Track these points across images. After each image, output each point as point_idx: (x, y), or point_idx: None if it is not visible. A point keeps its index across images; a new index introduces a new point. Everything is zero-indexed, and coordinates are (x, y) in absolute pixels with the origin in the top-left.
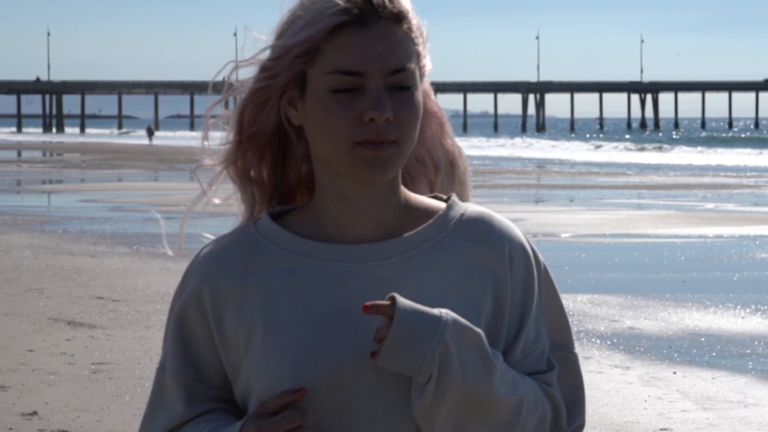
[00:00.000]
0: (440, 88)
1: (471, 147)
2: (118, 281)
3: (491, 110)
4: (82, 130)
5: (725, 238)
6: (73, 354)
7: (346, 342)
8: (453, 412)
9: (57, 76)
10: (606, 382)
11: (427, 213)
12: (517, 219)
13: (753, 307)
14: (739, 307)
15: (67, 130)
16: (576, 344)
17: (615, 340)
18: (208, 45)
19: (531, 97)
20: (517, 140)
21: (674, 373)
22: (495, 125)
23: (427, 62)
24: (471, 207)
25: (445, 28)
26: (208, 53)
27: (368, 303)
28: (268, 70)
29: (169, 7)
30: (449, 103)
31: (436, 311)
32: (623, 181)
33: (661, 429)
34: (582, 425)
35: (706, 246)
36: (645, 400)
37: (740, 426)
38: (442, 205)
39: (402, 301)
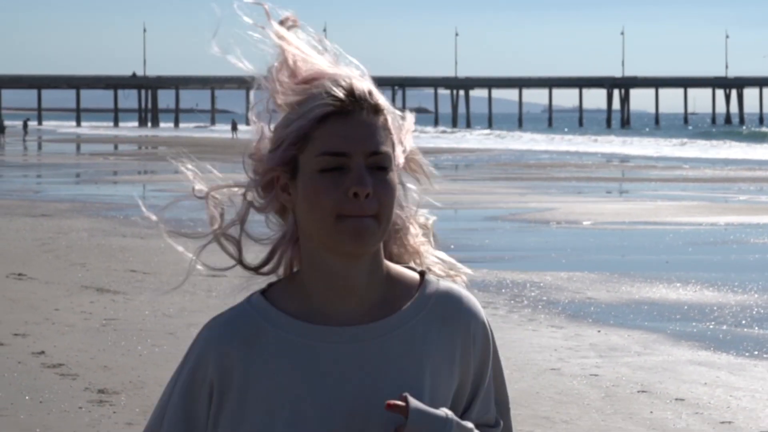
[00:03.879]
0: (525, 83)
1: (554, 142)
2: (156, 258)
3: (584, 105)
4: (176, 124)
5: (734, 225)
6: (91, 312)
7: (339, 422)
8: None
9: (152, 71)
10: (534, 336)
11: (404, 286)
12: (550, 208)
13: (711, 281)
14: (700, 282)
15: (162, 124)
16: (529, 310)
17: (565, 307)
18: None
19: (615, 92)
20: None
21: (598, 331)
22: (580, 120)
23: (399, 154)
24: (442, 285)
25: (530, 22)
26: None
27: (390, 402)
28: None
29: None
30: (536, 98)
31: (442, 413)
32: (675, 175)
33: (551, 369)
34: None
35: (709, 232)
36: (556, 350)
37: (619, 368)
38: (417, 278)
39: (414, 403)
